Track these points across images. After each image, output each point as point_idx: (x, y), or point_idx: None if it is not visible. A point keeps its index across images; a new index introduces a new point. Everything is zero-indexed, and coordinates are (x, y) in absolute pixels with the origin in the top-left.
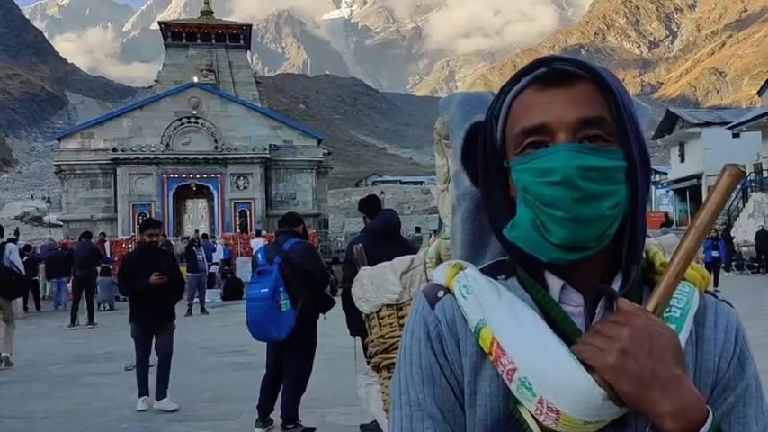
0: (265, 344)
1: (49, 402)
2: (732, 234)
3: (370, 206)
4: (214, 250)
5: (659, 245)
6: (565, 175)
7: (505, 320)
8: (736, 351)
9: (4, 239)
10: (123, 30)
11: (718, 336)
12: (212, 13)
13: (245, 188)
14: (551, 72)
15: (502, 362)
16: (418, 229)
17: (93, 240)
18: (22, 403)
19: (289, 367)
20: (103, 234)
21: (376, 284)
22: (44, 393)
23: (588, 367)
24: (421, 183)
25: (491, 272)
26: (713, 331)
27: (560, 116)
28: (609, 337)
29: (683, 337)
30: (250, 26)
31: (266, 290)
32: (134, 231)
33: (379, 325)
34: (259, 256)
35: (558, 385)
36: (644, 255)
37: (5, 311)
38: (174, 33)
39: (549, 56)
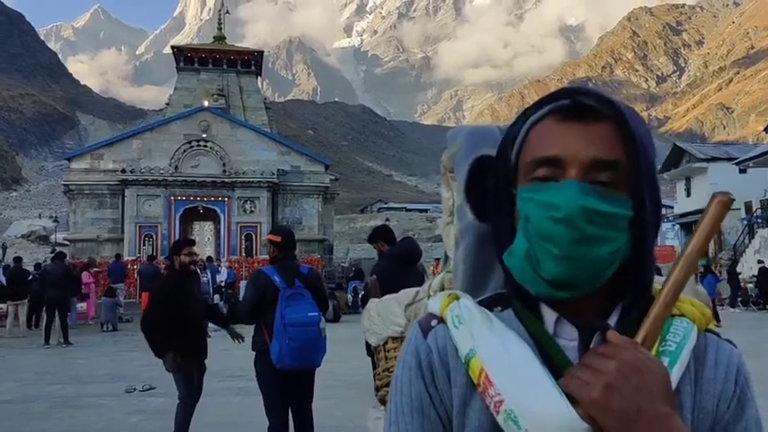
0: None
1: (49, 423)
2: (738, 270)
3: (388, 233)
4: (218, 272)
5: None
6: (568, 212)
7: (494, 351)
8: (737, 392)
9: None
10: (136, 53)
11: (718, 376)
12: (225, 38)
13: (251, 212)
14: (574, 105)
15: (489, 393)
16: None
17: (101, 259)
18: (21, 423)
19: (307, 396)
20: (119, 255)
21: (382, 316)
22: (43, 413)
23: (574, 401)
24: (426, 210)
25: (489, 304)
26: (713, 371)
27: (575, 152)
28: (596, 371)
29: (676, 371)
30: (261, 52)
31: (315, 314)
32: (140, 252)
33: (386, 358)
34: (276, 279)
35: (541, 419)
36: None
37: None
38: (187, 58)
39: (576, 87)
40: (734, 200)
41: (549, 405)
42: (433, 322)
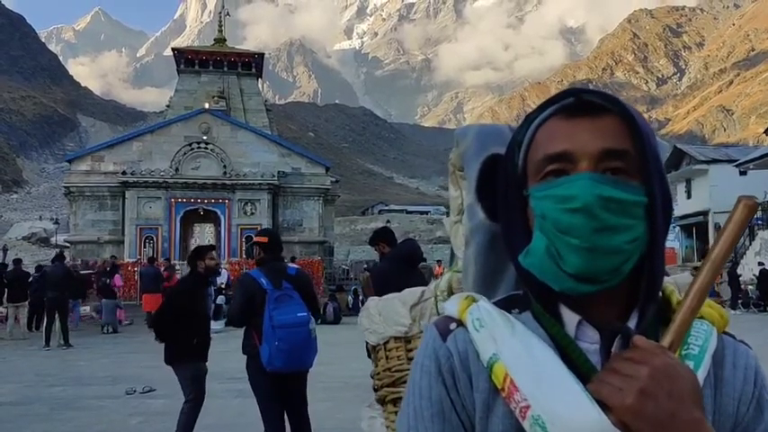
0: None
1: (49, 425)
2: (738, 272)
3: (389, 234)
4: (219, 274)
5: (675, 283)
6: (585, 202)
7: (519, 356)
8: (755, 394)
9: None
10: (137, 55)
11: (737, 378)
12: (225, 40)
13: (252, 214)
14: (578, 102)
15: (515, 398)
16: (423, 259)
17: (97, 262)
18: (21, 425)
19: (301, 399)
20: (114, 257)
21: (384, 316)
22: (44, 416)
23: (604, 407)
24: (427, 212)
25: (504, 306)
26: (732, 373)
27: (584, 145)
28: (628, 377)
29: (700, 375)
30: (262, 54)
31: (304, 314)
32: (140, 254)
33: (387, 357)
34: (263, 281)
35: (571, 425)
36: (660, 293)
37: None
38: (187, 60)
39: (578, 87)
40: (759, 204)
41: (580, 411)
42: (452, 325)
